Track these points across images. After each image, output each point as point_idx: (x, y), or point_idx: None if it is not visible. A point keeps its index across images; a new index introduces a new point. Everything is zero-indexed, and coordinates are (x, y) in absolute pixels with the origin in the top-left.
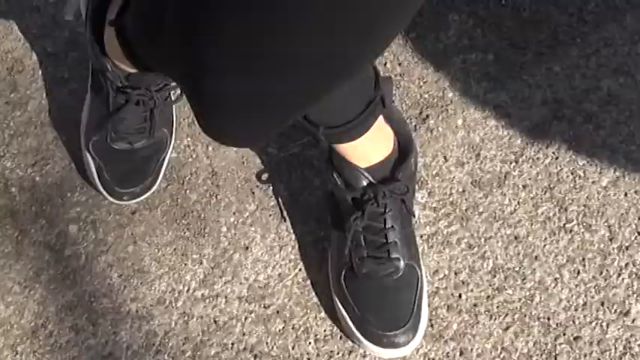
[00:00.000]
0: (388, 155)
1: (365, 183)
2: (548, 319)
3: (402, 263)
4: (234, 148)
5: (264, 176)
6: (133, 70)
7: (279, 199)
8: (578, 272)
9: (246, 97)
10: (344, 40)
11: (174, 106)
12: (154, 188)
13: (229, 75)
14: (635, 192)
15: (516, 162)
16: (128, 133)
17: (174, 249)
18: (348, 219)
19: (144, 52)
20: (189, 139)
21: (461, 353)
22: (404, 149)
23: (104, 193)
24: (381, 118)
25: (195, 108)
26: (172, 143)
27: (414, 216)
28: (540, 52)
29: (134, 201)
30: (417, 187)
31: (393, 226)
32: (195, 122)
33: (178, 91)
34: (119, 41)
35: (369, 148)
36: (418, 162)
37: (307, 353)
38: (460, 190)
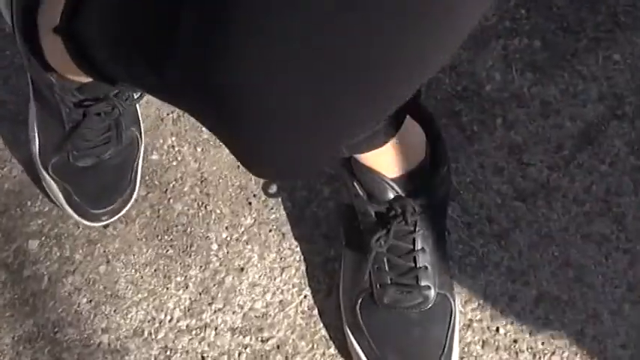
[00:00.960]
0: (420, 162)
1: (392, 195)
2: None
3: (432, 292)
4: (227, 150)
5: (273, 189)
6: (85, 80)
7: (282, 212)
8: None
9: (299, 109)
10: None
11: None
12: (134, 197)
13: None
14: None
15: (566, 169)
16: (93, 147)
17: (155, 270)
18: (370, 238)
19: (118, 67)
20: (173, 138)
21: None
22: (436, 154)
23: (77, 218)
24: (409, 117)
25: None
26: (143, 142)
27: (449, 234)
28: (597, 38)
29: (115, 218)
30: None
31: (423, 248)
32: (182, 118)
33: None
34: (69, 49)
35: (397, 155)
36: (451, 169)
37: None
38: (498, 202)
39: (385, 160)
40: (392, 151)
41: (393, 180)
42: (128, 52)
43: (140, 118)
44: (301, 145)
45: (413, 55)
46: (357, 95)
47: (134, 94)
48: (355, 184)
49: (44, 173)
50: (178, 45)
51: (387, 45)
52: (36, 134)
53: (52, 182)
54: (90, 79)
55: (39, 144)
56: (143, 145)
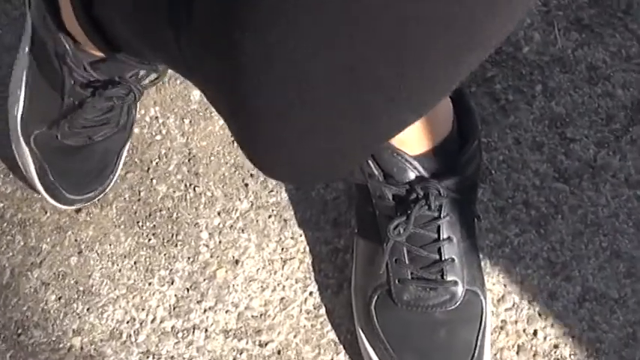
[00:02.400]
0: (446, 137)
1: (413, 176)
2: None
3: (460, 289)
4: (220, 122)
5: None
6: (101, 55)
7: (283, 195)
8: None
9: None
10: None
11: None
12: (113, 182)
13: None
14: None
15: (617, 145)
16: (87, 127)
17: (135, 262)
18: (386, 225)
19: (132, 33)
20: (157, 108)
21: None
22: (464, 127)
23: (47, 197)
24: None
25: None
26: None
27: (479, 220)
28: None
29: (88, 203)
30: None
31: (449, 237)
32: (167, 85)
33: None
34: (83, 16)
35: (422, 128)
36: (482, 145)
37: None
38: (537, 183)
39: (407, 135)
40: (418, 122)
41: (414, 157)
42: (145, 15)
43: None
44: (330, 135)
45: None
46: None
47: (152, 74)
48: (370, 162)
49: (22, 143)
50: None
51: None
52: (22, 95)
53: (29, 156)
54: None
55: (23, 108)
56: (133, 129)
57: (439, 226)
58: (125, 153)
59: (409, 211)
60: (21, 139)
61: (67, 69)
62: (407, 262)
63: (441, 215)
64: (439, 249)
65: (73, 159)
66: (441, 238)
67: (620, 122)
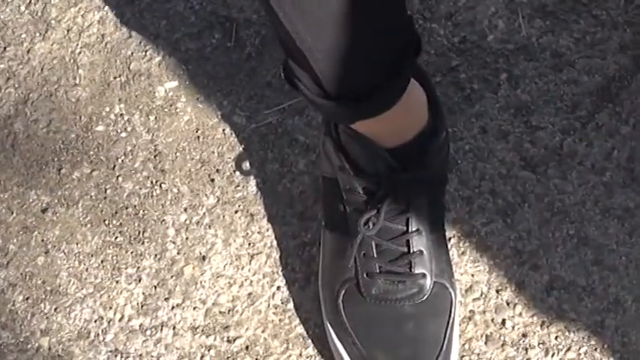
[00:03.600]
0: (421, 131)
1: (384, 169)
2: (627, 354)
3: (428, 282)
4: (185, 118)
5: (246, 165)
6: None
7: (250, 189)
8: None
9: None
10: None
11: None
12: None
13: None
14: None
15: (583, 132)
16: None
17: (102, 261)
18: (356, 219)
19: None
20: (121, 105)
21: None
22: (434, 118)
23: None
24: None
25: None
26: None
27: (448, 211)
28: None
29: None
30: None
31: (418, 230)
32: (132, 81)
33: None
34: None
35: (401, 120)
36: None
37: None
38: (504, 172)
39: (383, 128)
40: (395, 116)
41: (387, 150)
42: None
43: None
44: None
45: None
46: None
47: None
48: (341, 154)
49: None
50: None
51: None
52: None
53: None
54: None
55: None
56: None
57: (408, 219)
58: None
59: (380, 205)
60: None
61: None
62: (375, 255)
63: (410, 208)
64: (408, 242)
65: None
66: (410, 231)
67: (585, 109)
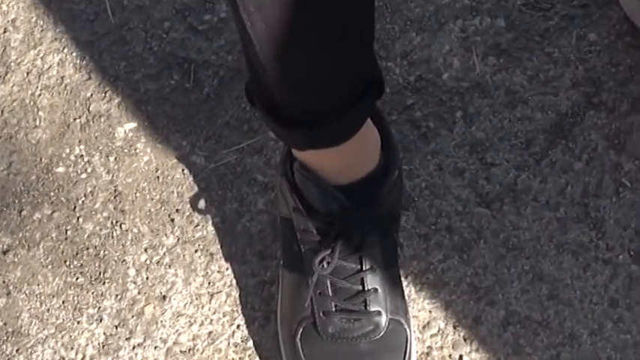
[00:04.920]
0: (373, 169)
1: (337, 208)
2: None
3: (384, 319)
4: (145, 159)
5: (201, 204)
6: None
7: (209, 229)
8: (624, 321)
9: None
10: None
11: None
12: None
13: None
14: None
15: (537, 168)
16: None
17: (63, 302)
18: (311, 258)
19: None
20: (82, 146)
21: None
22: (386, 158)
23: None
24: None
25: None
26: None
27: (402, 249)
28: (569, 15)
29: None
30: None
31: (372, 268)
32: (92, 123)
33: None
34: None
35: (353, 157)
36: (403, 172)
37: None
38: (460, 209)
39: (338, 164)
40: (348, 151)
41: (340, 188)
42: None
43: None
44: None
45: None
46: None
47: None
48: (294, 195)
49: None
50: None
51: None
52: None
53: None
54: None
55: None
56: None
57: (362, 257)
58: None
59: (333, 245)
60: None
61: None
62: (330, 294)
63: (364, 246)
64: (362, 279)
65: None
66: (364, 269)
67: (539, 145)
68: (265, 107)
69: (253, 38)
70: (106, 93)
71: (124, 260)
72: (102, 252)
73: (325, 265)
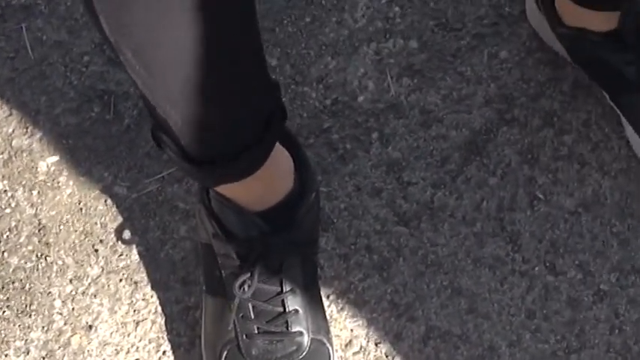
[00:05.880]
0: (288, 193)
1: (255, 233)
2: None
3: (306, 339)
4: (67, 191)
5: (127, 234)
6: None
7: (133, 258)
8: (542, 331)
9: None
10: None
11: None
12: None
13: None
14: (611, 218)
15: (453, 185)
16: None
17: None
18: (232, 282)
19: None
20: (5, 182)
21: None
22: (302, 181)
23: None
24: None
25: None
26: None
27: (321, 269)
28: (480, 34)
29: None
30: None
31: (292, 289)
32: (14, 158)
33: None
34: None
35: (266, 185)
36: (320, 195)
37: None
38: (378, 228)
39: (252, 192)
40: (260, 180)
41: (257, 214)
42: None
43: None
44: None
45: None
46: None
47: None
48: (213, 222)
49: None
50: None
51: None
52: None
53: None
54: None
55: None
56: None
57: (282, 280)
58: None
59: (253, 268)
60: None
61: None
62: (252, 317)
63: (283, 269)
64: (283, 301)
65: None
66: (284, 291)
67: (454, 163)
68: (171, 149)
69: (150, 99)
70: (27, 128)
71: (49, 292)
72: (27, 285)
73: (246, 289)
